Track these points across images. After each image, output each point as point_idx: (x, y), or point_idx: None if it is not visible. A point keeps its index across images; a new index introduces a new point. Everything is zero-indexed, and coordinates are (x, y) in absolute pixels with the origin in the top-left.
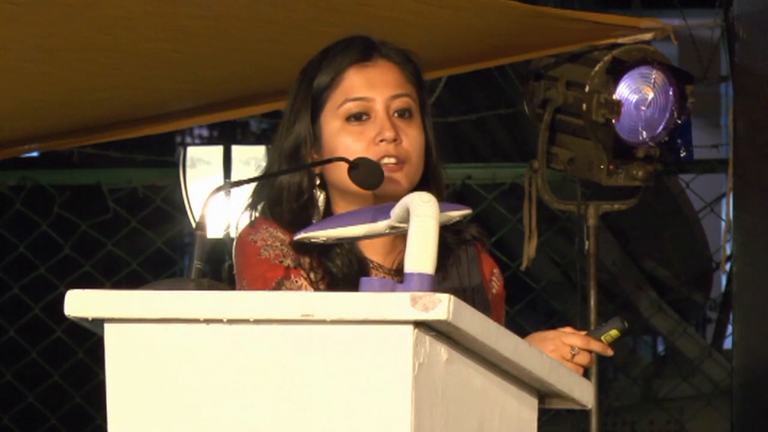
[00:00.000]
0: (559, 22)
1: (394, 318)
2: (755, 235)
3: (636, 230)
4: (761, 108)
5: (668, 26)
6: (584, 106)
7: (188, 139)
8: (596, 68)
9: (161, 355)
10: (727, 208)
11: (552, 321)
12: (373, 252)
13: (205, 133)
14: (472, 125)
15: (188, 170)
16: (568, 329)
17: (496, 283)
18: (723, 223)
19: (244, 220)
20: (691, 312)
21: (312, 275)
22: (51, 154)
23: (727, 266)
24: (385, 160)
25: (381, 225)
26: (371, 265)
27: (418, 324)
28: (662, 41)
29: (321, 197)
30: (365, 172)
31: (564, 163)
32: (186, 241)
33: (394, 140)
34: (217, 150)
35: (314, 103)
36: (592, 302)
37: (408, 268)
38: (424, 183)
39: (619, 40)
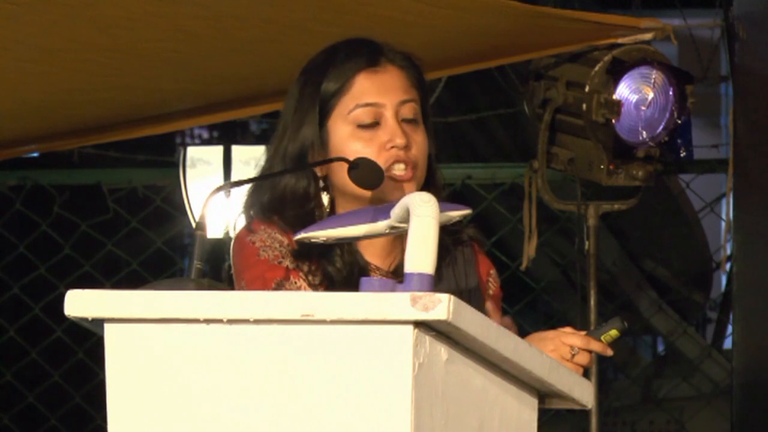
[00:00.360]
0: (559, 22)
1: (394, 318)
2: (755, 235)
3: (636, 230)
4: (761, 108)
5: (668, 26)
6: (584, 106)
7: (188, 140)
8: (596, 68)
9: (161, 355)
10: (727, 208)
11: (552, 321)
12: (371, 254)
13: (205, 133)
14: (472, 125)
15: (188, 170)
16: (567, 329)
17: (492, 285)
18: (723, 223)
19: (241, 221)
20: (691, 312)
21: (310, 277)
22: (51, 154)
23: (728, 266)
24: (396, 167)
25: (381, 225)
26: (369, 267)
27: (418, 324)
28: (662, 41)
29: (325, 200)
30: (365, 172)
31: (564, 163)
32: (186, 241)
33: (405, 146)
34: (217, 150)
35: (321, 108)
36: (592, 302)
37: (408, 268)
38: (425, 185)
39: (619, 40)
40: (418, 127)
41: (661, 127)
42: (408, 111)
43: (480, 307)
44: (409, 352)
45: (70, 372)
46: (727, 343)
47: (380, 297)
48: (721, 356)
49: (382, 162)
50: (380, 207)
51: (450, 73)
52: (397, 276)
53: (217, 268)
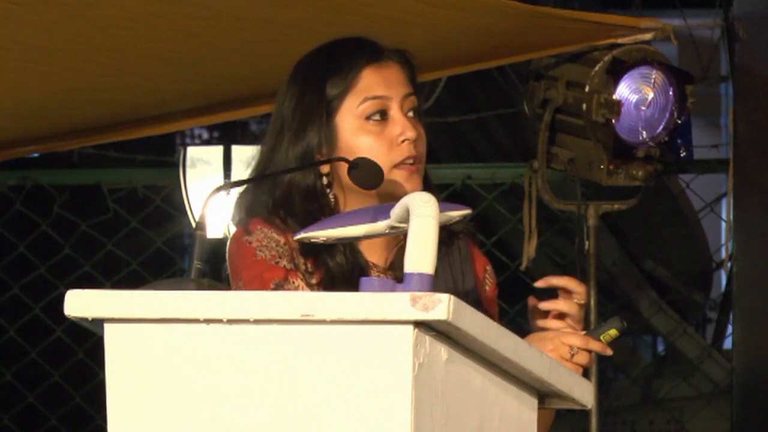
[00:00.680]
0: (559, 22)
1: (394, 318)
2: (755, 235)
3: (636, 230)
4: (761, 108)
5: (668, 26)
6: (584, 106)
7: (188, 140)
8: (596, 68)
9: (161, 355)
10: (727, 208)
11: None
12: (368, 250)
13: (205, 133)
14: (472, 125)
15: (188, 170)
16: (567, 329)
17: (489, 281)
18: (723, 223)
19: (239, 220)
20: (691, 312)
21: (308, 276)
22: (51, 154)
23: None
24: (407, 161)
25: (381, 225)
26: (367, 264)
27: (418, 324)
28: (662, 41)
29: (331, 197)
30: (365, 171)
31: (564, 163)
32: (186, 241)
33: (415, 140)
34: (217, 150)
35: (327, 105)
36: (592, 302)
37: (408, 268)
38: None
39: (619, 40)
40: (419, 121)
41: (661, 127)
42: (411, 105)
43: (478, 304)
44: (409, 352)
45: (70, 372)
46: (727, 343)
47: (380, 297)
48: (721, 356)
49: (394, 157)
50: (380, 207)
51: (450, 73)
52: (393, 271)
53: (217, 268)
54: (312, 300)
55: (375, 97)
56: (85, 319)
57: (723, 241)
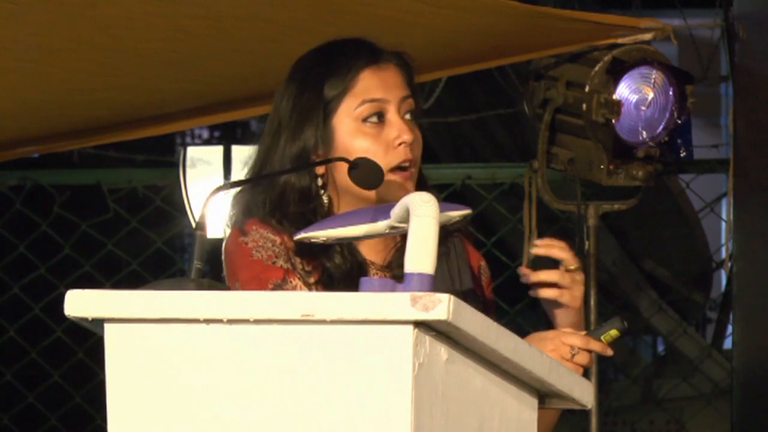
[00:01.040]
0: (559, 22)
1: (394, 318)
2: (755, 235)
3: (636, 230)
4: (761, 108)
5: (668, 26)
6: (584, 106)
7: (188, 139)
8: (596, 68)
9: (161, 355)
10: (727, 208)
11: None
12: (365, 249)
13: (205, 133)
14: (472, 125)
15: (188, 170)
16: (567, 329)
17: (484, 276)
18: (723, 223)
19: (236, 221)
20: (691, 312)
21: (306, 276)
22: (51, 154)
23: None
24: (402, 165)
25: (381, 225)
26: (365, 263)
27: (418, 324)
28: (662, 41)
29: (325, 199)
30: (365, 171)
31: (564, 163)
32: (186, 241)
33: (412, 143)
34: (217, 150)
35: (325, 106)
36: (592, 302)
37: (408, 268)
38: (417, 185)
39: (619, 40)
40: (415, 124)
41: (661, 127)
42: (409, 107)
43: (477, 303)
44: (409, 352)
45: (70, 372)
46: (727, 343)
47: (380, 297)
48: (721, 356)
49: (391, 160)
50: (380, 207)
51: (450, 73)
52: (390, 270)
53: (217, 268)
54: (312, 300)
55: (372, 100)
56: (85, 319)
57: (723, 241)
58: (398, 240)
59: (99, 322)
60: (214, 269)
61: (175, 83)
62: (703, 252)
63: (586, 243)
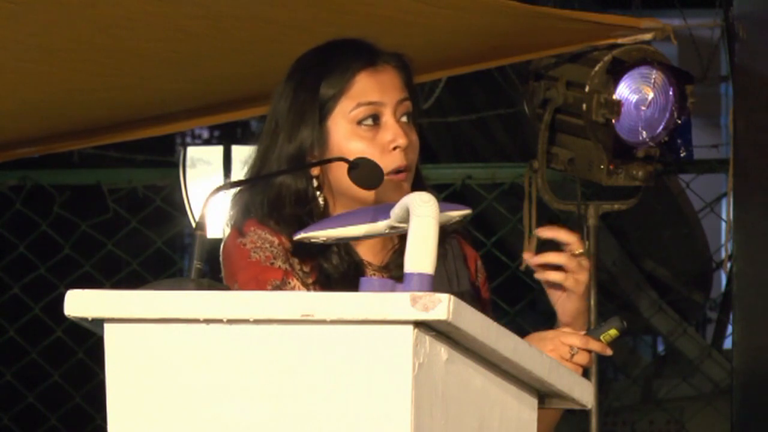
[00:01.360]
0: (559, 22)
1: (394, 318)
2: (755, 235)
3: (636, 230)
4: (761, 108)
5: (668, 26)
6: (584, 106)
7: (188, 139)
8: (596, 68)
9: (161, 355)
10: (727, 208)
11: (552, 321)
12: (363, 250)
13: (205, 133)
14: (472, 125)
15: (188, 170)
16: (567, 329)
17: (480, 275)
18: (723, 223)
19: (234, 222)
20: (691, 312)
21: (304, 277)
22: (51, 154)
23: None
24: (397, 171)
25: (381, 225)
26: (363, 264)
27: (418, 324)
28: (662, 41)
29: (320, 201)
30: (365, 171)
31: (564, 163)
32: (186, 241)
33: (406, 147)
34: (217, 150)
35: (320, 108)
36: (592, 302)
37: (408, 268)
38: (413, 185)
39: (619, 40)
40: (412, 126)
41: (661, 127)
42: (405, 110)
43: (475, 302)
44: (409, 352)
45: (70, 372)
46: (727, 343)
47: (380, 297)
48: (721, 356)
49: (386, 164)
50: (380, 207)
51: (450, 73)
52: (388, 270)
53: (217, 268)
54: (312, 300)
55: (368, 103)
56: (85, 319)
57: (723, 241)
58: (396, 241)
59: (99, 322)
60: (213, 269)
61: (175, 83)
62: (703, 252)
63: (586, 243)
